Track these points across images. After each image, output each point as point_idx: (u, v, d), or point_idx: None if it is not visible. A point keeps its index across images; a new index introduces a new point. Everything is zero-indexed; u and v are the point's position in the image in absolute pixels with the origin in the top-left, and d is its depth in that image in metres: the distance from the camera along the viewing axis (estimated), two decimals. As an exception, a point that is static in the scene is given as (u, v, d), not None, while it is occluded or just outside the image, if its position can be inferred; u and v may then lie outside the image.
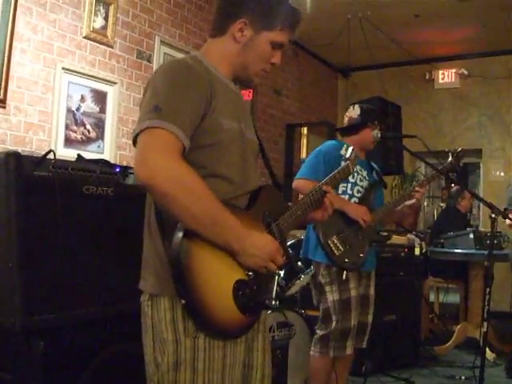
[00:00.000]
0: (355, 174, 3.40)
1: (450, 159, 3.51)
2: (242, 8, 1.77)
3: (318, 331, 3.34)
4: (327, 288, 3.28)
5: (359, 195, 3.40)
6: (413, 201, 3.41)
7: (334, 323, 3.23)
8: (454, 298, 6.67)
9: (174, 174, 1.49)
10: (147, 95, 1.63)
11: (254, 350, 1.80)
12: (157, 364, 1.60)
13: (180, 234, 1.51)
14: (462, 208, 6.44)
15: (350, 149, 2.24)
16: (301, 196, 1.98)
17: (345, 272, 3.23)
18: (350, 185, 3.38)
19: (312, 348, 3.34)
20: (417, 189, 3.40)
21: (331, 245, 3.19)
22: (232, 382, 1.66)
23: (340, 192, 3.36)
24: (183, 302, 1.52)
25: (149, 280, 1.67)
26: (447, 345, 5.37)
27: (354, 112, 3.53)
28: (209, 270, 1.55)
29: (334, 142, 3.59)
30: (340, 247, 3.20)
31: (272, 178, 2.00)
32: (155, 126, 1.52)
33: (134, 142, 1.56)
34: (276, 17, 1.77)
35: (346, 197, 3.37)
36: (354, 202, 3.38)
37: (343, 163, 2.27)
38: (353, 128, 3.51)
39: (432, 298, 6.73)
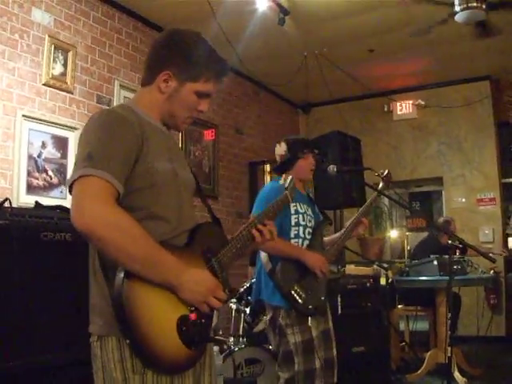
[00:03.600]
0: (304, 215, 3.38)
1: (380, 184, 3.63)
2: (167, 60, 1.84)
3: (280, 374, 3.26)
4: (288, 330, 3.20)
5: (310, 237, 3.40)
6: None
7: (296, 365, 3.16)
8: (424, 326, 6.72)
9: (109, 219, 1.54)
10: (81, 144, 1.68)
11: None
12: None
13: (121, 276, 1.55)
14: (443, 240, 6.25)
15: (289, 178, 2.28)
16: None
17: (309, 318, 3.20)
18: (301, 228, 3.36)
19: None
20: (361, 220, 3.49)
21: (294, 294, 3.16)
22: None
23: (292, 236, 3.33)
24: (128, 341, 1.56)
25: (96, 322, 1.69)
26: (418, 372, 5.40)
27: (281, 149, 3.55)
28: (152, 309, 1.58)
29: (273, 184, 3.45)
30: (302, 295, 3.18)
31: (210, 214, 2.06)
32: (88, 174, 1.57)
33: (70, 191, 1.60)
34: (200, 69, 1.84)
35: (300, 240, 3.35)
36: (306, 244, 3.37)
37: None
38: (285, 164, 3.51)
39: (402, 326, 6.77)
